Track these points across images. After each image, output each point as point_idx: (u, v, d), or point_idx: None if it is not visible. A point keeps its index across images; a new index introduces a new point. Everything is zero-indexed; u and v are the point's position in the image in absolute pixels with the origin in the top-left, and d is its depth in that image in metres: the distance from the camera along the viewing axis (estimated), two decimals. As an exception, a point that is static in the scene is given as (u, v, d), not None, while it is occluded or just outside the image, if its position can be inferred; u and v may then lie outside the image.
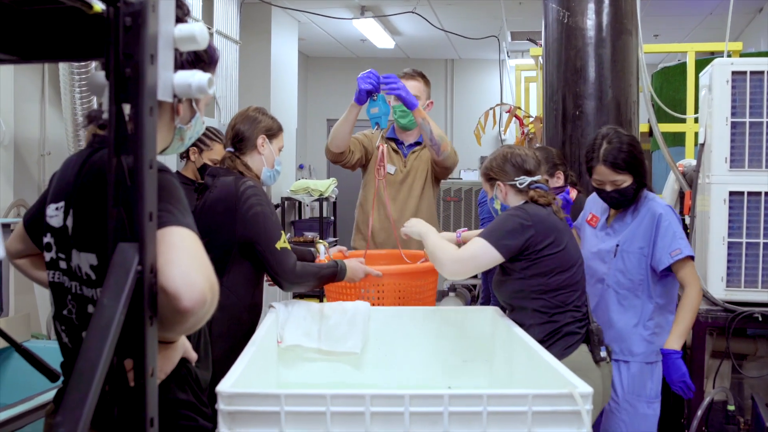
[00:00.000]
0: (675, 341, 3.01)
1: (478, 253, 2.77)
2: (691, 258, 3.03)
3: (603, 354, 2.79)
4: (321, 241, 3.63)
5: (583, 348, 2.77)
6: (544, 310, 2.77)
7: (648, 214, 3.12)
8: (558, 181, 3.78)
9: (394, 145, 4.12)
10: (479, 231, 3.05)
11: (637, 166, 3.08)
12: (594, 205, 3.36)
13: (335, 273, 2.98)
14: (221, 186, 2.87)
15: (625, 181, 3.08)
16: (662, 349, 3.02)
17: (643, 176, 3.11)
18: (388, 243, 4.00)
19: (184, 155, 4.48)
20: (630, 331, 3.10)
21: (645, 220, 3.12)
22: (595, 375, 2.72)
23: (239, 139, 3.02)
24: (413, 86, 4.01)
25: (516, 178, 2.92)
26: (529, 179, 2.91)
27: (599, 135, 3.16)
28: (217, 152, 4.44)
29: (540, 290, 2.78)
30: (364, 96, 3.70)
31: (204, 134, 4.37)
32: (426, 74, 4.17)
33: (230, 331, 2.72)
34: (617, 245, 3.15)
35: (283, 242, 2.82)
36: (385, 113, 3.71)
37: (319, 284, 2.98)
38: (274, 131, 3.08)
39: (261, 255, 2.80)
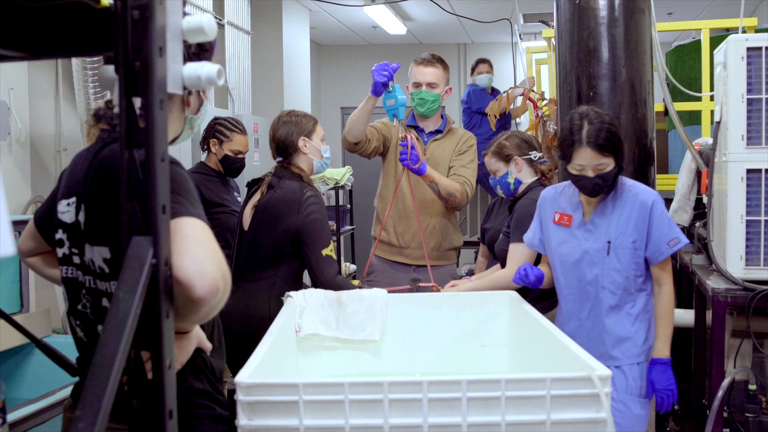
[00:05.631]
0: (666, 348, 2.95)
1: (521, 254, 3.27)
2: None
3: None
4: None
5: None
6: None
7: (636, 202, 2.94)
8: None
9: (414, 132, 4.11)
10: (486, 273, 3.61)
11: (620, 148, 2.88)
12: (554, 202, 3.12)
13: None
14: (287, 189, 3.16)
15: (609, 164, 2.86)
16: (654, 358, 2.95)
17: (623, 159, 2.92)
18: (407, 233, 3.99)
19: (205, 147, 4.51)
20: (629, 331, 2.99)
21: (635, 210, 2.93)
22: None
23: (282, 148, 3.28)
24: (430, 73, 3.98)
25: (530, 153, 3.45)
26: (539, 153, 3.45)
27: (576, 115, 2.93)
28: (236, 143, 4.48)
29: None
30: (380, 88, 3.69)
31: (222, 125, 4.41)
32: (439, 59, 4.14)
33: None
34: (609, 242, 2.96)
35: (329, 250, 3.10)
36: (402, 104, 3.70)
37: None
38: (310, 129, 3.32)
39: (306, 257, 3.11)
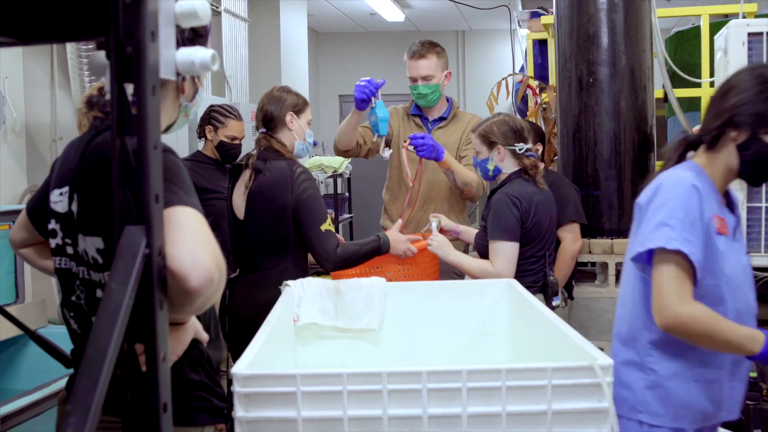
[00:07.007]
0: None
1: (505, 252, 3.15)
2: None
3: (555, 303, 3.23)
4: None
5: (540, 297, 3.18)
6: None
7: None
8: None
9: (418, 120, 4.08)
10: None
11: None
12: (706, 202, 2.15)
13: (378, 247, 3.18)
14: (276, 169, 3.10)
15: None
16: None
17: None
18: (411, 223, 3.98)
19: (201, 135, 4.53)
20: None
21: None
22: None
23: (269, 119, 3.22)
24: (423, 66, 3.94)
25: (515, 144, 3.27)
26: (525, 146, 3.27)
27: (751, 73, 2.19)
28: (232, 128, 4.49)
29: None
30: (361, 105, 3.69)
31: (217, 112, 4.42)
32: (437, 45, 4.10)
33: None
34: (748, 253, 2.38)
35: (327, 225, 3.06)
36: (383, 120, 3.68)
37: (363, 261, 3.19)
38: (300, 107, 3.27)
39: (306, 235, 3.06)
